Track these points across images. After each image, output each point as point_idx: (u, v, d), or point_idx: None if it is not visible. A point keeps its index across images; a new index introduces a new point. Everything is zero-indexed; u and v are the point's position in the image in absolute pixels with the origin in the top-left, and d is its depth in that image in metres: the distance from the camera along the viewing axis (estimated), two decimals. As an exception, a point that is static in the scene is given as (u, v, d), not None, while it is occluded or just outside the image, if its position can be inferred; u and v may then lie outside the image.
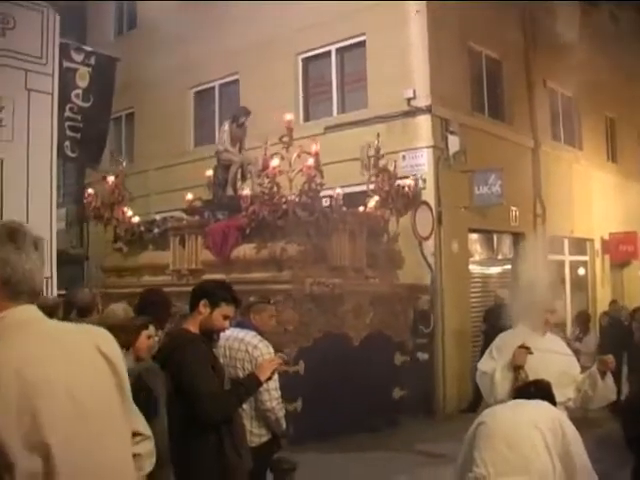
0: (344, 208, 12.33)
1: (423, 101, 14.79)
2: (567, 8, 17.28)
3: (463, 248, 15.36)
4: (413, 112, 14.88)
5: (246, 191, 12.33)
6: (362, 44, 16.03)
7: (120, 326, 5.64)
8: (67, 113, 12.53)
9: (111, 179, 14.23)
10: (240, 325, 6.30)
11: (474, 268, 16.30)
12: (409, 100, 14.89)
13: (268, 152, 11.79)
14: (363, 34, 15.87)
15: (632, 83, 21.13)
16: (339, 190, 12.33)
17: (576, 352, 13.54)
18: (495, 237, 17.48)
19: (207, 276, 11.69)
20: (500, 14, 16.59)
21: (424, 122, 14.76)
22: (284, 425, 6.08)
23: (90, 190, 14.37)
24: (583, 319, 14.32)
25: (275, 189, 11.36)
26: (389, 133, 14.31)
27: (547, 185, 17.80)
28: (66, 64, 12.41)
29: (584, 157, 20.70)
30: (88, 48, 13.56)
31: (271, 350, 6.03)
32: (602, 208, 20.84)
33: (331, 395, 10.72)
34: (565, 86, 19.63)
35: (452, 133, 14.93)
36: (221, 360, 5.99)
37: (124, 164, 14.82)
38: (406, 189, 13.24)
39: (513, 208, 16.72)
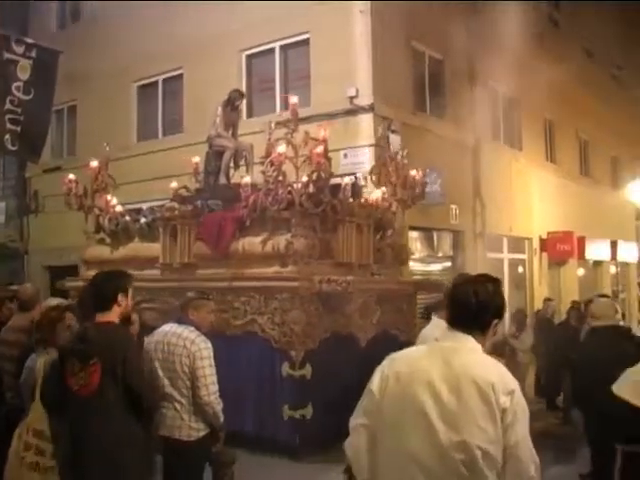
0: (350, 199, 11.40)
1: (366, 100, 14.93)
2: (509, 10, 17.54)
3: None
4: (355, 110, 15.01)
5: (246, 179, 11.20)
6: (306, 42, 16.14)
7: (38, 323, 5.71)
8: (7, 106, 12.44)
9: (94, 164, 13.20)
10: (179, 321, 6.36)
11: (414, 265, 16.46)
12: (352, 98, 15.03)
13: (272, 137, 10.71)
14: (307, 32, 15.97)
15: (571, 85, 21.50)
16: (347, 179, 11.52)
17: (513, 349, 13.97)
18: (435, 235, 17.71)
19: (201, 271, 11.26)
20: (443, 15, 16.80)
21: (366, 120, 14.89)
22: (222, 418, 6.15)
23: (71, 176, 13.21)
24: (519, 317, 14.59)
25: (281, 178, 10.38)
26: (331, 131, 14.40)
27: (487, 184, 18.07)
28: (7, 56, 12.33)
29: (524, 157, 21.05)
30: (30, 40, 13.44)
31: (209, 345, 6.09)
32: (541, 207, 21.24)
33: (339, 401, 9.60)
34: (506, 87, 19.95)
35: (394, 132, 15.05)
36: (159, 355, 6.09)
37: (107, 148, 13.64)
38: (414, 180, 12.57)
39: (453, 206, 16.96)
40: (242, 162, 13.03)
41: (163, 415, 6.05)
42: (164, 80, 19.18)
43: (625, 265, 28.74)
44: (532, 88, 19.16)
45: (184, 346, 6.02)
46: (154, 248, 12.05)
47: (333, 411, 9.42)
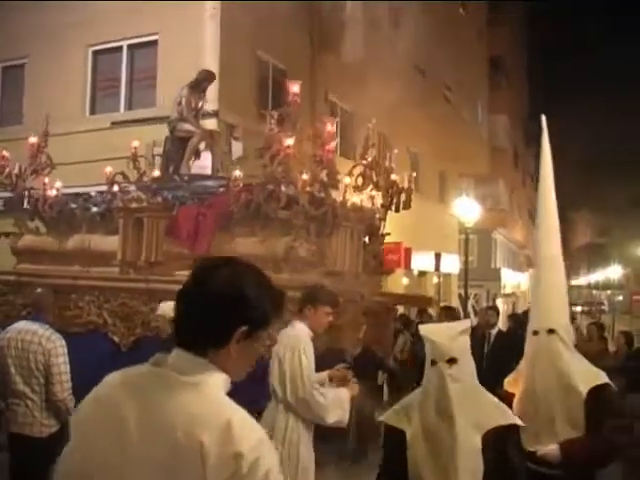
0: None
1: (211, 105, 15.09)
2: (349, 28, 18.16)
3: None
4: (200, 115, 15.16)
5: (237, 172, 9.85)
6: (155, 43, 16.22)
7: None
8: None
9: (33, 140, 11.24)
10: (31, 318, 6.45)
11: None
12: (197, 103, 15.18)
13: (273, 130, 9.58)
14: (156, 33, 16.05)
15: (404, 101, 22.39)
16: (348, 180, 10.20)
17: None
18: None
19: (180, 272, 8.94)
20: (289, 27, 17.25)
21: (210, 126, 15.02)
22: (74, 415, 6.25)
23: (5, 152, 11.14)
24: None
25: (284, 175, 9.22)
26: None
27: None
28: None
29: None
30: None
31: (64, 342, 6.21)
32: (373, 219, 21.99)
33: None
34: (344, 100, 20.61)
35: (236, 138, 15.28)
36: (12, 352, 6.16)
37: (48, 119, 11.55)
38: (401, 185, 11.60)
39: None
40: (209, 150, 12.23)
41: (14, 412, 6.13)
42: (5, 68, 18.70)
43: (447, 276, 30.13)
44: (367, 103, 19.91)
45: (39, 343, 6.11)
46: (109, 242, 10.32)
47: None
